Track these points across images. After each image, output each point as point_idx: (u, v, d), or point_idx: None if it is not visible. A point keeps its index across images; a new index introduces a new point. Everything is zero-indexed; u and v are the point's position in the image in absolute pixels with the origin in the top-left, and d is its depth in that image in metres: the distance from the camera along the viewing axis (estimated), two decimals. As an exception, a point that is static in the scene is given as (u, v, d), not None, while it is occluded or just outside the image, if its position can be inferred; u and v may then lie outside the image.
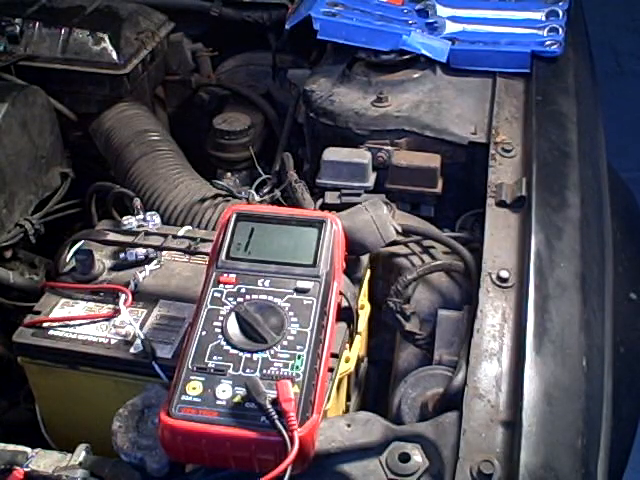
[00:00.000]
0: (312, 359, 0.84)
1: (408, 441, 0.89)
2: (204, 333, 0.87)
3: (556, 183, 1.20)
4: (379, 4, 1.59)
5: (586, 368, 0.95)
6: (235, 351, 0.85)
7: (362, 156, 1.30)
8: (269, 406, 0.79)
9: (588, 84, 1.53)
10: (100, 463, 0.91)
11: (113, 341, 1.04)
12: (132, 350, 1.02)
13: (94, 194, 1.39)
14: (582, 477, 0.84)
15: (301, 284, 0.90)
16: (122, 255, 1.16)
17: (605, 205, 1.32)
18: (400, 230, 1.15)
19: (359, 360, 1.14)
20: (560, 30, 1.51)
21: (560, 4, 1.58)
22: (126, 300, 1.08)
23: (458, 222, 1.29)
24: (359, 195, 1.26)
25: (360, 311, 1.11)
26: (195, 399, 0.82)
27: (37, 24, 1.66)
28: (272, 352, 0.85)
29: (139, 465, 0.88)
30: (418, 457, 0.87)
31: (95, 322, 1.06)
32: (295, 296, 0.90)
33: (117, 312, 1.07)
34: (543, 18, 1.55)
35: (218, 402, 0.81)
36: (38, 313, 1.08)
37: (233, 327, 0.87)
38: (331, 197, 1.27)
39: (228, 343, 0.86)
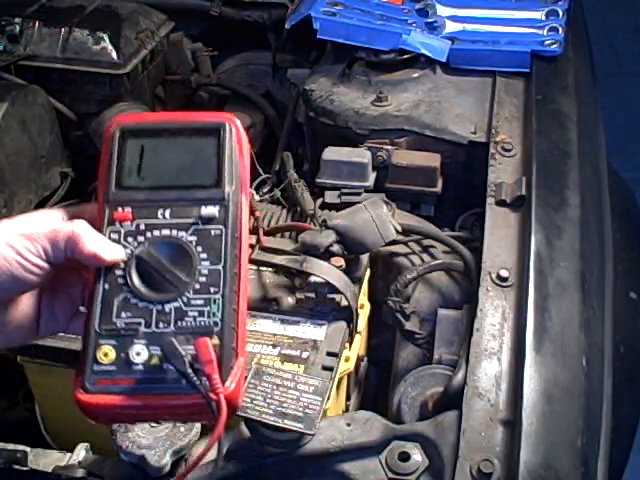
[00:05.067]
0: (229, 300, 0.74)
1: (408, 440, 0.89)
2: (107, 286, 0.75)
3: (556, 182, 1.20)
4: (379, 4, 1.59)
5: (586, 367, 0.95)
6: (144, 304, 0.74)
7: (362, 155, 1.30)
8: (189, 370, 0.70)
9: (588, 84, 1.53)
10: (99, 462, 0.92)
11: (113, 340, 1.04)
12: (132, 349, 1.02)
13: (94, 193, 1.39)
14: (582, 476, 0.84)
15: (206, 211, 0.77)
16: (122, 254, 1.15)
17: (605, 205, 1.32)
18: (400, 229, 1.15)
19: (359, 359, 1.14)
20: (560, 29, 1.51)
21: (560, 3, 1.58)
22: (126, 299, 1.07)
23: (458, 221, 1.29)
24: (359, 194, 1.26)
25: (360, 310, 1.11)
26: (109, 367, 0.72)
27: (37, 24, 1.66)
28: (184, 299, 0.74)
29: (139, 464, 0.88)
30: (418, 456, 0.87)
31: (95, 321, 1.06)
32: (201, 226, 0.77)
33: (117, 311, 1.06)
34: (543, 17, 1.55)
35: (134, 367, 0.72)
36: (38, 312, 1.08)
37: (139, 274, 0.75)
38: (331, 196, 1.27)
39: (135, 295, 0.74)
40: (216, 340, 0.71)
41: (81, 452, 0.92)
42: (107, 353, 0.72)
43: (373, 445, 0.88)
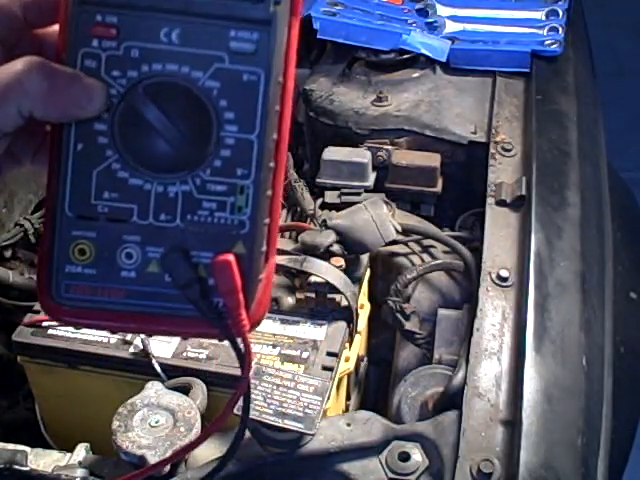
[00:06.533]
0: (263, 186, 0.51)
1: (408, 440, 0.89)
2: (80, 148, 0.50)
3: (556, 182, 1.20)
4: (379, 4, 1.59)
5: (586, 367, 0.95)
6: (137, 181, 0.50)
7: (362, 155, 1.30)
8: (201, 296, 0.51)
9: (588, 83, 1.53)
10: (100, 462, 0.92)
11: (112, 340, 1.04)
12: (131, 349, 1.02)
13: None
14: (582, 476, 0.84)
15: (238, 39, 0.49)
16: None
17: (605, 205, 1.32)
18: (400, 229, 1.15)
19: (359, 359, 1.14)
20: (560, 29, 1.51)
21: (560, 3, 1.58)
22: (126, 299, 1.07)
23: (458, 221, 1.29)
24: (359, 194, 1.26)
25: (360, 310, 1.11)
26: (88, 270, 0.51)
27: (37, 24, 1.66)
28: (197, 182, 0.50)
29: (139, 464, 0.88)
30: (418, 456, 0.87)
31: (95, 321, 1.06)
32: (228, 65, 0.49)
33: (117, 311, 1.06)
34: (543, 17, 1.55)
35: (124, 274, 0.51)
36: (38, 312, 1.08)
37: (129, 134, 0.49)
38: (331, 196, 1.27)
39: (124, 166, 0.50)
40: (241, 248, 0.51)
41: (81, 452, 0.92)
42: (84, 250, 0.51)
43: (373, 445, 0.88)
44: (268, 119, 0.50)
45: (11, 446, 0.92)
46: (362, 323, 1.12)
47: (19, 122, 0.48)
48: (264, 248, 0.51)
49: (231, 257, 0.49)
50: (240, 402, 0.56)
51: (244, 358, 0.52)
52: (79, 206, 0.50)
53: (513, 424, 0.87)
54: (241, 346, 0.52)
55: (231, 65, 0.49)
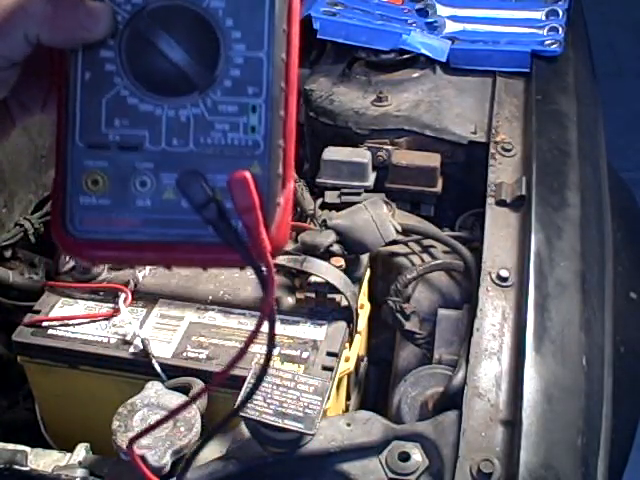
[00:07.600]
0: (276, 104, 0.50)
1: (408, 440, 0.89)
2: (88, 76, 0.50)
3: (556, 182, 1.20)
4: (379, 3, 1.59)
5: (586, 367, 0.95)
6: (148, 107, 0.50)
7: (362, 155, 1.30)
8: (219, 216, 0.49)
9: (588, 83, 1.53)
10: (100, 462, 0.92)
11: (112, 340, 1.04)
12: (131, 349, 1.02)
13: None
14: (582, 476, 0.84)
15: None
16: (122, 254, 1.15)
17: (605, 204, 1.32)
18: (400, 229, 1.15)
19: (359, 359, 1.14)
20: (560, 29, 1.51)
21: (560, 3, 1.58)
22: (126, 299, 1.08)
23: (458, 221, 1.29)
24: (359, 194, 1.26)
25: (360, 310, 1.11)
26: (102, 201, 0.50)
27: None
28: (208, 104, 0.50)
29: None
30: (418, 456, 0.87)
31: (95, 321, 1.07)
32: None
33: (117, 311, 1.07)
34: (543, 17, 1.56)
35: (139, 203, 0.50)
36: (38, 312, 1.08)
37: (137, 59, 0.50)
38: (331, 196, 1.27)
39: (133, 92, 0.50)
40: (257, 168, 0.50)
41: (81, 452, 0.92)
42: (97, 180, 0.50)
43: (373, 445, 0.88)
44: (275, 36, 0.49)
45: (11, 446, 0.92)
46: (362, 323, 1.12)
47: (27, 50, 0.48)
48: (280, 170, 0.50)
49: (247, 173, 0.48)
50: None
51: (267, 282, 0.49)
52: (90, 135, 0.50)
53: (513, 424, 0.87)
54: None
55: None
